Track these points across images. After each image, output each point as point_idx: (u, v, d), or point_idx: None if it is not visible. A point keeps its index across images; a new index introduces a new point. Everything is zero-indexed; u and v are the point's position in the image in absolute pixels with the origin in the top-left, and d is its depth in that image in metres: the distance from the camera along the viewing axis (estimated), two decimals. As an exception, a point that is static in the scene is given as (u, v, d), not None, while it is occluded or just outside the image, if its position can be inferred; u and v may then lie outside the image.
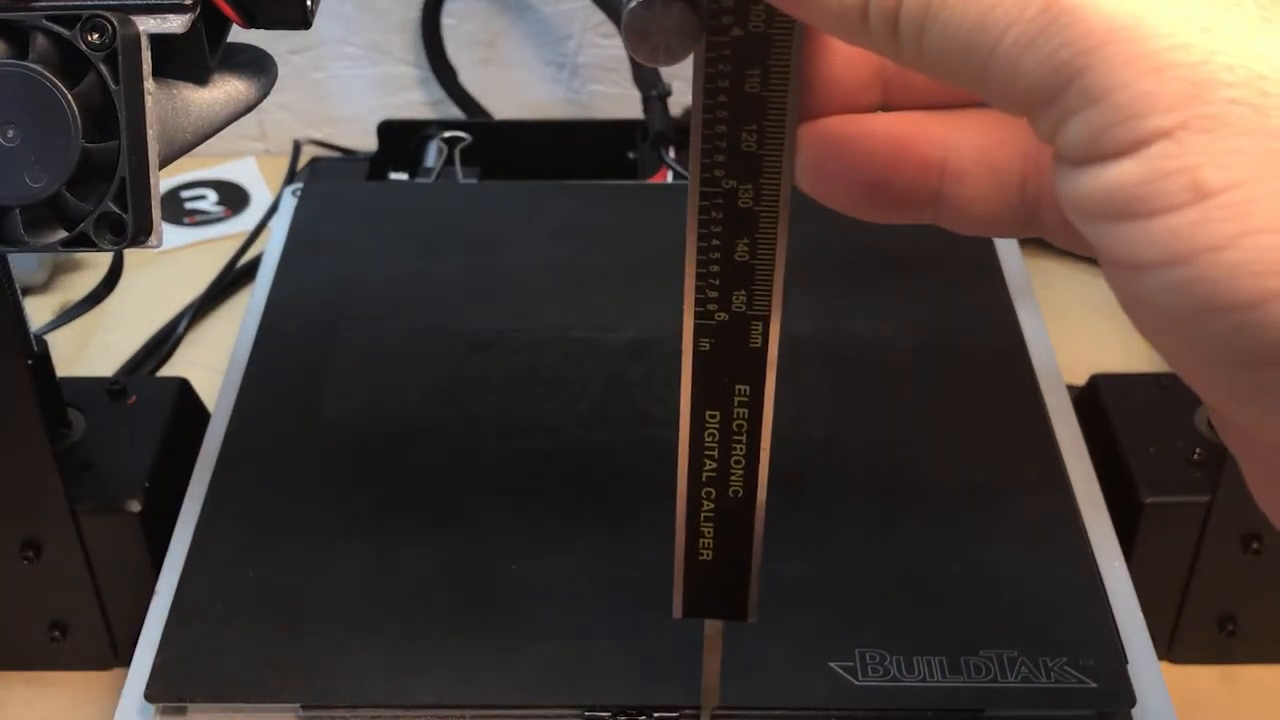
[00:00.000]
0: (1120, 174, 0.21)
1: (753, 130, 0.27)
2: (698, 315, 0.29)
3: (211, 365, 0.64)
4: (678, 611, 0.35)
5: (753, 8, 0.25)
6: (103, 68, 0.33)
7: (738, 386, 0.30)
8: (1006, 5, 0.22)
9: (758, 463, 0.32)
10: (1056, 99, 0.22)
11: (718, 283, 0.29)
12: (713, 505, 0.33)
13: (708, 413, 0.31)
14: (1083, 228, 0.23)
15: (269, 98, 0.38)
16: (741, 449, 0.31)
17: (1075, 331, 0.64)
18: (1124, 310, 0.23)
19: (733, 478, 0.32)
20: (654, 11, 0.25)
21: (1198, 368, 0.23)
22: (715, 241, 0.28)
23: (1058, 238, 0.28)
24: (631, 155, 0.71)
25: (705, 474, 0.32)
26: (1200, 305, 0.21)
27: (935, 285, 0.55)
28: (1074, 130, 0.22)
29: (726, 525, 0.33)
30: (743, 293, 0.29)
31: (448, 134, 0.70)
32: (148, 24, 0.33)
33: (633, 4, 0.25)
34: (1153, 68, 0.21)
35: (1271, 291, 0.20)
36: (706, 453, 0.32)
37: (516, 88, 0.81)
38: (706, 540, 0.33)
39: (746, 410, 0.31)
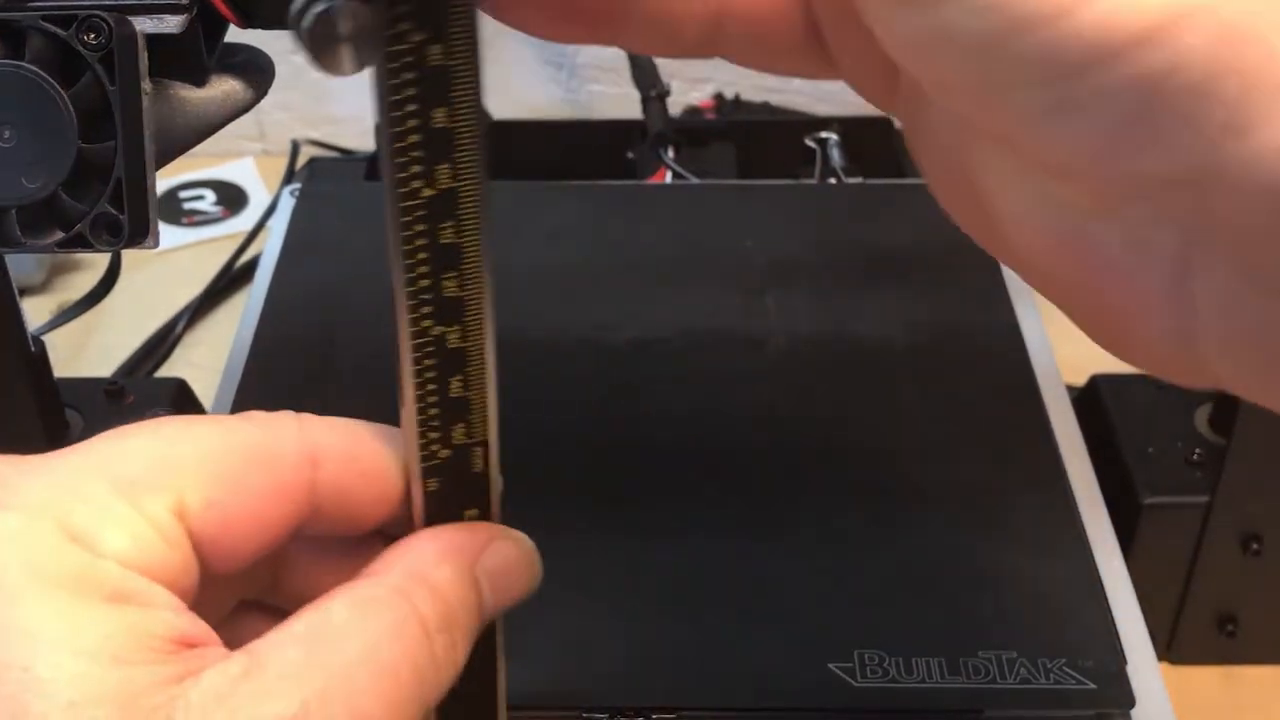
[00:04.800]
0: None
1: (447, 227, 0.26)
2: (424, 459, 0.29)
3: (210, 366, 0.64)
4: None
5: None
6: (99, 68, 0.33)
7: (466, 513, 0.30)
8: None
9: None
10: None
11: (438, 423, 0.29)
12: None
13: None
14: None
15: (267, 98, 0.38)
16: None
17: (1075, 331, 0.63)
18: (903, 59, 0.24)
19: None
20: (342, 15, 0.23)
21: (989, 95, 0.23)
22: (431, 386, 0.28)
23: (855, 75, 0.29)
24: (630, 155, 0.71)
25: None
26: (1005, 26, 0.22)
27: (935, 285, 0.55)
28: None
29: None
30: (462, 425, 0.29)
31: (447, 134, 0.70)
32: (144, 24, 0.33)
33: (318, 8, 0.23)
34: None
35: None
36: None
37: (516, 88, 0.81)
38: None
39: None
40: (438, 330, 0.27)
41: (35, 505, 0.24)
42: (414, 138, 0.25)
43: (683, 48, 0.30)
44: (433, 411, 0.28)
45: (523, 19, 0.29)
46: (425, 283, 0.26)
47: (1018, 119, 0.23)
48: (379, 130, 0.25)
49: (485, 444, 0.29)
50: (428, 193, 0.25)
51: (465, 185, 0.26)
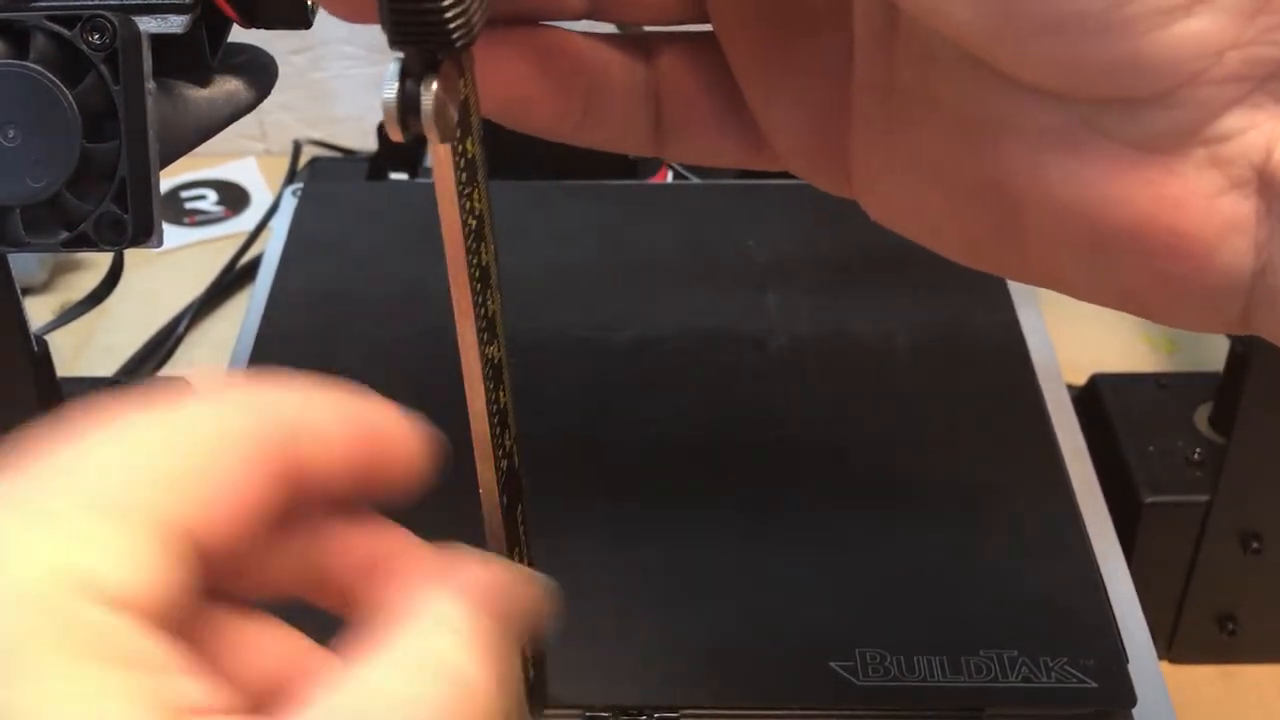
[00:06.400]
0: None
1: (481, 248, 0.27)
2: (499, 480, 0.30)
3: (212, 366, 0.64)
4: None
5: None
6: (103, 68, 0.33)
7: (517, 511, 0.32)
8: None
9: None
10: None
11: (502, 439, 0.30)
12: None
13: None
14: None
15: (269, 98, 0.38)
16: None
17: (1075, 331, 0.64)
18: None
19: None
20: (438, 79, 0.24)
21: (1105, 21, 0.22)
22: (495, 408, 0.29)
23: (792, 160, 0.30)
24: (631, 155, 0.71)
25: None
26: None
27: (935, 285, 0.55)
28: None
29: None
30: (508, 431, 0.30)
31: (448, 134, 0.70)
32: (148, 24, 0.33)
33: (428, 91, 0.24)
34: None
35: None
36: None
37: (516, 88, 0.81)
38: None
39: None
40: (491, 351, 0.28)
41: (35, 553, 0.22)
42: (463, 174, 0.26)
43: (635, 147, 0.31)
44: (497, 431, 0.29)
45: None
46: (483, 309, 0.27)
47: (1136, 30, 0.21)
48: (444, 171, 0.26)
49: (515, 438, 0.30)
50: (472, 221, 0.26)
51: (484, 207, 0.27)
